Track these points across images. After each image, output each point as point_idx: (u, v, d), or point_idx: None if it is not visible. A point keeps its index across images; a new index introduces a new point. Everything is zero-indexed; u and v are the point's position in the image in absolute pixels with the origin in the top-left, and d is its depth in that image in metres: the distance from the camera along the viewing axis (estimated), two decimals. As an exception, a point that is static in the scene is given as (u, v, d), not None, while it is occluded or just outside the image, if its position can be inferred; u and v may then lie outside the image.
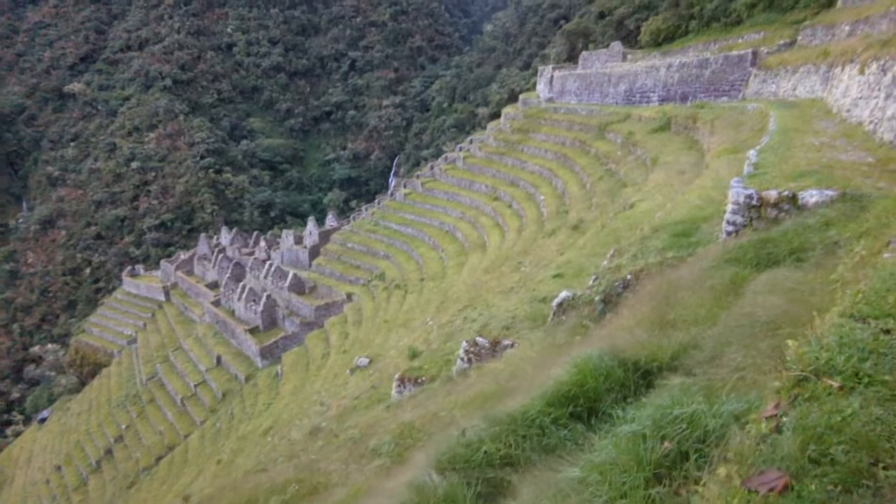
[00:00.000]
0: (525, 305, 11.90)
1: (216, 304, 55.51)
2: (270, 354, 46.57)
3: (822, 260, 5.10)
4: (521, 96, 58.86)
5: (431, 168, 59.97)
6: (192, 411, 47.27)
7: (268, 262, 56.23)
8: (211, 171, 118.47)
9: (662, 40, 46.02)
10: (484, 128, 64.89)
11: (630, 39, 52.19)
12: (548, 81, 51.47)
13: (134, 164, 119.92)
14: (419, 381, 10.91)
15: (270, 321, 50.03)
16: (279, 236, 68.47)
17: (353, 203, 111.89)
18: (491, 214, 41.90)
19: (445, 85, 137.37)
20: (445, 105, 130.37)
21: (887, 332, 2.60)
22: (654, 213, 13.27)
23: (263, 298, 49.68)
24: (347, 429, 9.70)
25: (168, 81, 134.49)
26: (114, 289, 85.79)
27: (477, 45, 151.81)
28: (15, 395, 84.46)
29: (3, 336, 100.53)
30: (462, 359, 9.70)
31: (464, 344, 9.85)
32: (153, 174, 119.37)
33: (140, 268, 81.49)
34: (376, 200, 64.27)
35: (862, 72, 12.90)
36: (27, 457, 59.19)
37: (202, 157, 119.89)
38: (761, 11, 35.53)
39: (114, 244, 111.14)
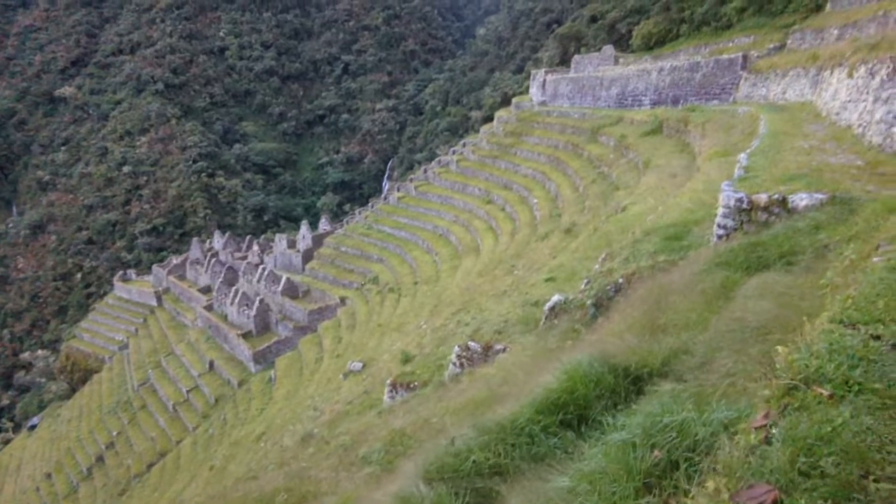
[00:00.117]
0: (517, 309, 11.85)
1: (209, 308, 55.15)
2: (263, 359, 46.28)
3: (812, 264, 5.09)
4: (513, 100, 59.00)
5: (425, 171, 59.96)
6: (185, 417, 46.87)
7: (261, 267, 55.98)
8: (203, 175, 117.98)
9: (654, 44, 46.33)
10: (477, 131, 65.01)
11: (622, 43, 52.51)
12: (540, 85, 51.63)
13: (126, 169, 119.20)
14: (411, 386, 10.84)
15: (263, 326, 49.76)
16: (272, 240, 68.19)
17: (347, 207, 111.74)
18: (484, 218, 41.91)
19: (439, 88, 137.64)
20: (439, 108, 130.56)
21: (877, 337, 2.57)
22: (645, 217, 13.29)
23: (256, 303, 49.42)
24: (339, 435, 9.61)
25: (160, 85, 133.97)
26: (105, 294, 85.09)
27: (470, 48, 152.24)
28: (4, 402, 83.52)
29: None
30: (454, 364, 9.65)
31: (456, 349, 9.79)
32: (145, 178, 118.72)
33: (132, 273, 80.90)
34: (370, 204, 64.17)
35: (851, 75, 12.98)
36: (17, 464, 58.49)
37: (195, 161, 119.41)
38: (751, 16, 35.86)
39: (105, 249, 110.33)
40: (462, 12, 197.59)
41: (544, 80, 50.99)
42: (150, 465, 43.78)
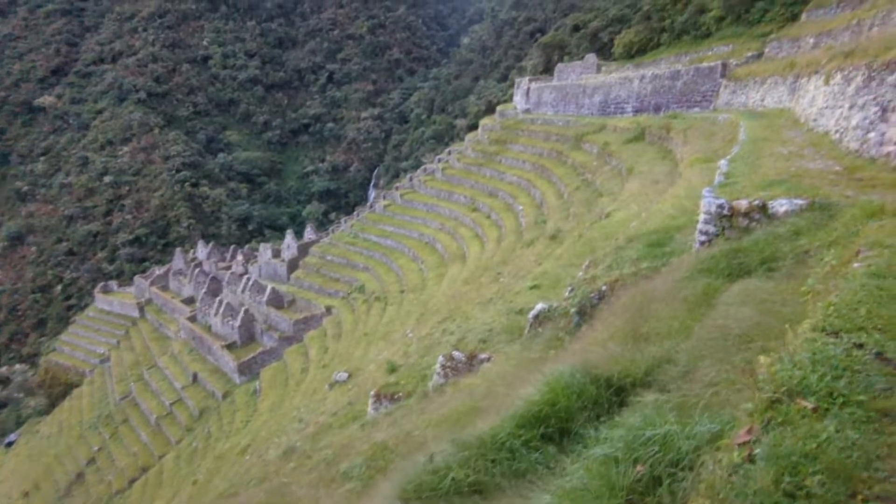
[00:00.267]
0: (502, 318, 11.77)
1: (192, 319, 54.38)
2: (248, 370, 45.68)
3: (793, 269, 5.08)
4: (498, 108, 59.32)
5: (411, 179, 59.92)
6: (168, 431, 46.03)
7: (245, 277, 55.38)
8: (187, 184, 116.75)
9: (635, 52, 46.92)
10: (462, 139, 65.17)
11: (604, 52, 53.10)
12: (524, 93, 51.95)
13: (107, 179, 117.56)
14: (395, 397, 10.69)
15: (248, 336, 49.15)
16: (257, 250, 67.55)
17: (333, 215, 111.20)
18: (470, 225, 41.91)
19: (424, 97, 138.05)
20: (424, 117, 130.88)
21: (860, 346, 2.53)
22: (629, 223, 13.32)
23: (241, 313, 48.82)
24: (321, 449, 9.42)
25: (142, 94, 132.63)
26: (86, 306, 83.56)
27: (454, 57, 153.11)
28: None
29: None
30: (438, 374, 9.52)
31: (440, 358, 9.67)
32: (127, 188, 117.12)
33: (113, 284, 79.59)
34: (355, 212, 63.91)
35: (827, 82, 13.18)
36: (-7, 483, 56.87)
37: (178, 171, 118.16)
38: (729, 25, 36.48)
39: (86, 260, 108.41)
40: (446, 21, 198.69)
41: (528, 89, 51.33)
42: (132, 481, 42.87)
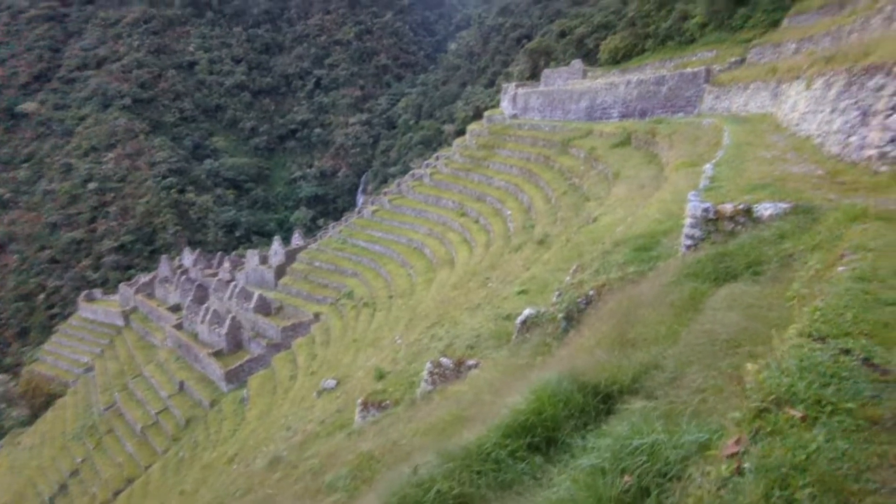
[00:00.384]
0: (490, 323, 11.72)
1: (178, 327, 53.71)
2: (236, 378, 45.17)
3: (779, 273, 5.08)
4: (485, 113, 59.49)
5: (399, 185, 59.84)
6: (153, 441, 45.34)
7: (232, 283, 54.86)
8: (173, 190, 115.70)
9: (621, 58, 47.34)
10: (450, 144, 65.26)
11: (590, 57, 53.53)
12: (511, 98, 52.17)
13: (91, 185, 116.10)
14: (383, 405, 10.58)
15: (235, 344, 48.63)
16: (244, 256, 66.96)
17: (321, 221, 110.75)
18: (458, 230, 41.89)
19: (411, 102, 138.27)
20: (412, 122, 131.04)
21: (847, 352, 2.50)
22: (616, 227, 13.35)
23: (228, 320, 48.31)
24: (307, 459, 9.28)
25: (127, 100, 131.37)
26: (69, 315, 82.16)
27: (442, 63, 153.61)
28: (-39, 430, 79.51)
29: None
30: (426, 381, 9.43)
31: (428, 365, 9.59)
32: (112, 195, 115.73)
33: (98, 292, 78.43)
34: (344, 218, 63.67)
35: (809, 87, 13.34)
36: (-27, 497, 55.63)
37: (164, 177, 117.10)
38: (712, 31, 36.93)
39: (70, 268, 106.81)
40: (433, 27, 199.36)
41: (515, 94, 51.56)
42: (117, 493, 42.11)
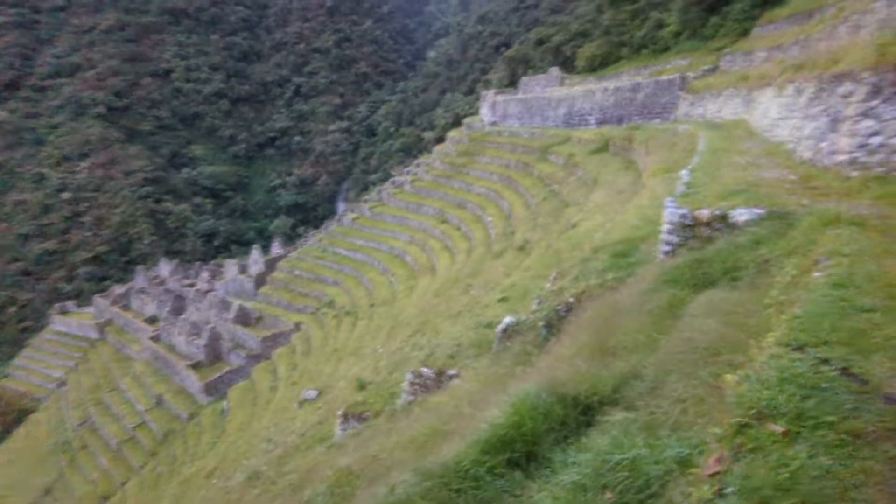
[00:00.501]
0: (470, 332, 11.65)
1: (155, 339, 52.63)
2: (215, 390, 44.36)
3: (756, 279, 5.10)
4: (465, 120, 59.70)
5: (379, 192, 59.65)
6: (130, 456, 44.21)
7: (211, 293, 54.01)
8: (150, 200, 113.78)
9: (597, 65, 47.91)
10: (430, 151, 65.33)
11: (567, 65, 54.12)
12: (491, 106, 52.44)
13: (65, 195, 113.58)
14: (363, 416, 10.41)
15: (214, 355, 47.80)
16: (223, 266, 66.01)
17: (301, 229, 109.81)
18: (440, 237, 41.83)
19: (391, 110, 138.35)
20: (392, 129, 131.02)
21: (826, 361, 2.47)
22: (595, 233, 13.41)
23: (206, 331, 47.48)
24: (286, 474, 9.06)
25: (101, 108, 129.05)
26: (42, 328, 79.99)
27: (421, 71, 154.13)
28: (-74, 450, 76.61)
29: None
30: (407, 391, 9.31)
31: (409, 375, 9.46)
32: (86, 205, 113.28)
33: (71, 304, 76.53)
34: (324, 226, 63.20)
35: (780, 94, 13.59)
36: (-61, 519, 53.58)
37: (140, 186, 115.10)
38: (686, 39, 37.59)
39: (42, 280, 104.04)
40: (412, 35, 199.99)
41: (494, 101, 51.84)
42: (91, 511, 40.95)
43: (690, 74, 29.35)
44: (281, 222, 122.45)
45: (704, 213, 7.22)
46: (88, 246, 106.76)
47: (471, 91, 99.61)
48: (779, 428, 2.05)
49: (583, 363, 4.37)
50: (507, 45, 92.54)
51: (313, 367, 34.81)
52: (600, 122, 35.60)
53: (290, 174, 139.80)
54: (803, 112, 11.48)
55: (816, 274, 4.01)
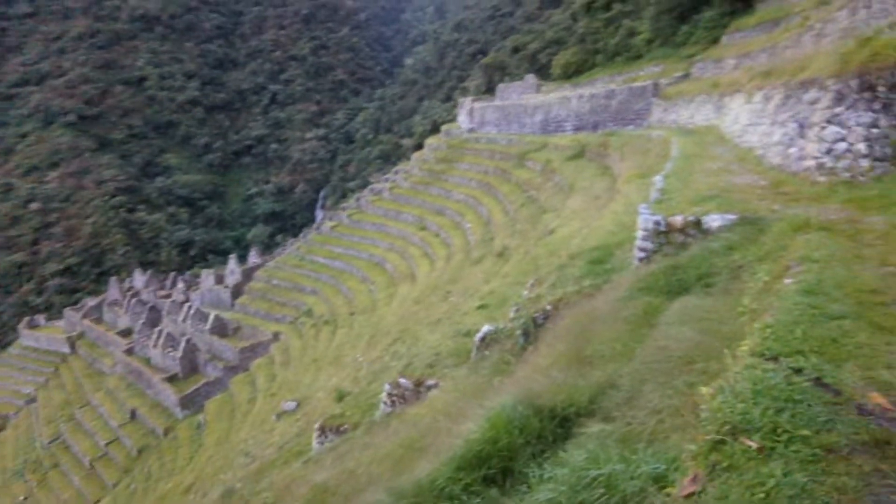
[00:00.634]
0: (449, 340, 11.58)
1: (129, 352, 51.39)
2: (192, 403, 43.45)
3: (729, 285, 5.13)
4: (443, 127, 59.80)
5: (358, 199, 59.35)
6: (103, 473, 43.01)
7: (187, 305, 52.99)
8: (123, 210, 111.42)
9: (573, 73, 48.52)
10: (409, 158, 65.24)
11: (543, 72, 54.66)
12: (468, 113, 52.64)
13: (33, 206, 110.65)
14: (341, 429, 10.24)
15: (191, 367, 46.85)
16: (199, 276, 64.85)
17: (279, 238, 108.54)
18: (419, 244, 41.73)
19: (369, 117, 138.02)
20: (370, 137, 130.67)
21: (799, 371, 2.47)
22: (572, 239, 13.47)
23: (182, 343, 46.52)
24: (261, 491, 8.86)
25: (72, 117, 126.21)
26: (10, 343, 77.56)
27: (399, 78, 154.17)
28: None
29: None
30: (385, 403, 9.19)
31: (387, 386, 9.35)
32: (56, 216, 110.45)
33: (41, 318, 74.39)
34: (302, 234, 62.61)
35: (749, 100, 13.86)
36: None
37: (112, 196, 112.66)
38: (658, 47, 38.29)
39: (10, 293, 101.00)
40: (389, 43, 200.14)
41: (472, 108, 52.06)
42: (63, 532, 39.67)
43: (663, 81, 29.85)
44: (258, 231, 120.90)
45: (678, 220, 7.27)
46: (59, 257, 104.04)
47: (448, 98, 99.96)
48: (753, 444, 2.02)
49: (559, 373, 4.33)
50: (484, 53, 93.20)
51: (292, 378, 34.34)
52: (576, 129, 35.96)
53: (267, 182, 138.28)
54: (772, 118, 11.72)
55: (787, 280, 4.04)
